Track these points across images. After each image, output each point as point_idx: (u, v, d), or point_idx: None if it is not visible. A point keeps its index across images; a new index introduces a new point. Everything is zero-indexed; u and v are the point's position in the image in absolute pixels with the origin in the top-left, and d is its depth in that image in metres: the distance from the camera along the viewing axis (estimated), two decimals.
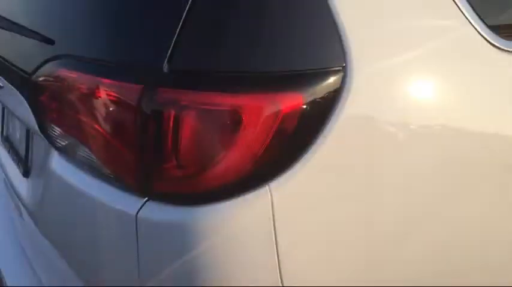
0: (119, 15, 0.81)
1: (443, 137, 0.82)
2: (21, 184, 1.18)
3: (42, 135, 0.92)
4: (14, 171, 1.25)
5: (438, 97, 0.82)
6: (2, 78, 1.06)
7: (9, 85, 1.02)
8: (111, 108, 0.77)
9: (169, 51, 0.71)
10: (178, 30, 0.72)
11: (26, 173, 1.17)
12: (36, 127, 0.93)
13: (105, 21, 0.84)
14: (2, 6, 1.09)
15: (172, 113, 0.72)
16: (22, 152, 1.20)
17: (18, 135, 1.27)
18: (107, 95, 0.77)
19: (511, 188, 0.90)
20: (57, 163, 0.91)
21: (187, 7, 0.72)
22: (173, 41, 0.71)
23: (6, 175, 1.32)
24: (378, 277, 0.84)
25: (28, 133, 1.15)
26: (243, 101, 0.72)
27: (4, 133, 1.39)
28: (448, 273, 0.89)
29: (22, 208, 1.23)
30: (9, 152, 1.31)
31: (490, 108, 0.88)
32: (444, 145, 0.82)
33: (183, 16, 0.72)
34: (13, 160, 1.27)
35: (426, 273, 0.87)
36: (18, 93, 0.98)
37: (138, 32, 0.78)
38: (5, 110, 1.38)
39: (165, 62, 0.71)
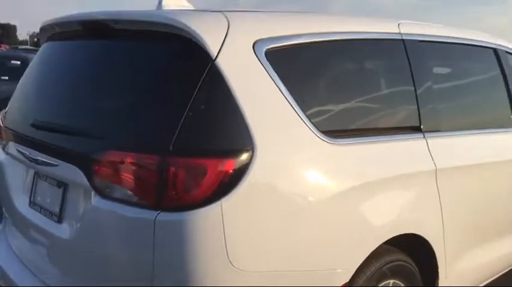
0: (147, 121, 1.66)
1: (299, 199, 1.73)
2: (56, 228, 1.89)
3: (93, 189, 1.68)
4: (45, 221, 1.96)
5: (299, 177, 1.73)
6: (58, 160, 1.83)
7: (66, 163, 1.79)
8: (141, 169, 1.59)
9: (173, 140, 1.56)
10: (177, 133, 1.57)
11: (59, 220, 1.89)
12: (86, 183, 1.69)
13: (136, 124, 1.68)
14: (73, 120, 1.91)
15: (173, 169, 1.55)
16: (54, 208, 1.92)
17: (48, 199, 1.99)
18: (139, 162, 1.59)
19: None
20: (99, 202, 1.68)
21: (181, 123, 1.58)
22: (175, 136, 1.57)
23: (36, 225, 2.00)
24: (287, 262, 1.67)
25: (63, 196, 1.89)
26: (207, 163, 1.57)
27: (32, 200, 2.09)
28: None
29: (50, 245, 1.93)
30: (40, 211, 2.01)
31: (323, 185, 1.79)
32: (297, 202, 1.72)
33: (179, 127, 1.58)
34: (45, 215, 1.98)
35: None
36: (73, 166, 1.75)
37: (157, 129, 1.63)
38: (35, 184, 2.09)
39: (171, 145, 1.56)
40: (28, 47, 30.44)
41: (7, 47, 23.98)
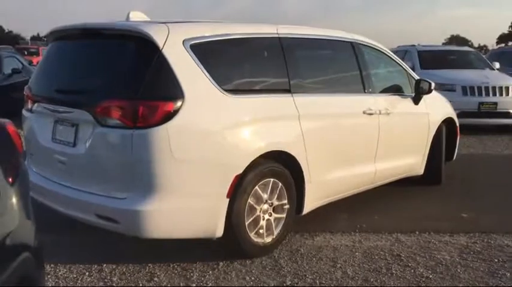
0: (125, 82, 3.07)
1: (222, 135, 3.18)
2: (72, 150, 3.27)
3: (96, 123, 3.07)
4: (64, 147, 3.33)
5: (210, 115, 3.18)
6: (73, 108, 3.21)
7: (78, 110, 3.18)
8: (123, 108, 3.00)
9: (140, 92, 2.98)
10: (142, 88, 2.99)
11: (74, 145, 3.27)
12: (92, 119, 3.08)
13: (118, 84, 3.09)
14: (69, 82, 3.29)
15: (141, 108, 2.97)
16: (70, 139, 3.30)
17: (65, 135, 3.36)
18: (120, 105, 3.00)
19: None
20: (101, 129, 3.08)
21: (144, 83, 2.99)
22: (140, 90, 2.99)
23: (58, 151, 3.37)
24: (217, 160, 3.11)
25: (76, 131, 3.26)
26: (159, 104, 3.00)
27: (53, 137, 3.45)
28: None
29: (68, 161, 3.30)
30: (59, 143, 3.38)
31: (231, 124, 3.25)
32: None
33: (143, 85, 2.99)
34: (63, 144, 3.35)
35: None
36: (83, 111, 3.14)
37: (131, 86, 3.04)
38: (55, 128, 3.45)
39: (139, 94, 2.98)
40: None
41: None
